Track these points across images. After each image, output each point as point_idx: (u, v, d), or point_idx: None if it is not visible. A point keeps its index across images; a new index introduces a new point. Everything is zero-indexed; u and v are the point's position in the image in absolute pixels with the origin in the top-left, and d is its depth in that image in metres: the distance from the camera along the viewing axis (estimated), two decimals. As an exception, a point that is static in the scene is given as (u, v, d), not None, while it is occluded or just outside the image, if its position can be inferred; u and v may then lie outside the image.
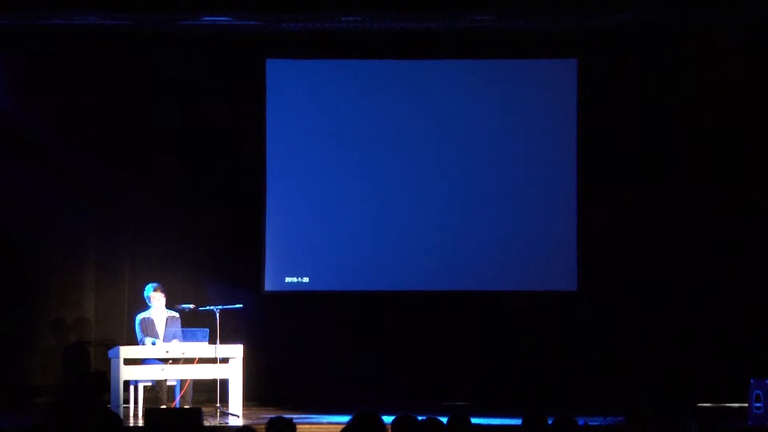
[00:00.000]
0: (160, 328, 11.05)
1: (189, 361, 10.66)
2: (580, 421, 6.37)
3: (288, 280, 12.49)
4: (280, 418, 6.02)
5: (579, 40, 12.48)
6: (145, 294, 11.14)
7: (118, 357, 10.54)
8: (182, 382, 10.80)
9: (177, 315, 11.15)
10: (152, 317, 11.09)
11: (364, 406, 5.82)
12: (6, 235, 12.30)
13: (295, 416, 7.17)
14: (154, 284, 11.18)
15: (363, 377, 12.30)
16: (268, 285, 12.50)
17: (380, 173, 12.54)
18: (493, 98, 12.57)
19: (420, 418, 5.91)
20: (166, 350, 10.65)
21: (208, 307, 11.00)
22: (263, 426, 7.39)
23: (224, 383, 10.73)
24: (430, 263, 12.45)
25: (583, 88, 12.51)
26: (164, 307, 11.14)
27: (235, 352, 10.75)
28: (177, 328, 11.04)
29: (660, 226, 12.47)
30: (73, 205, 12.35)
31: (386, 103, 12.58)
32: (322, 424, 10.26)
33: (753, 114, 12.47)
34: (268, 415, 8.86)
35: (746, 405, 10.48)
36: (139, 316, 11.13)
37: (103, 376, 11.57)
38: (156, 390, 10.94)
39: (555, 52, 12.53)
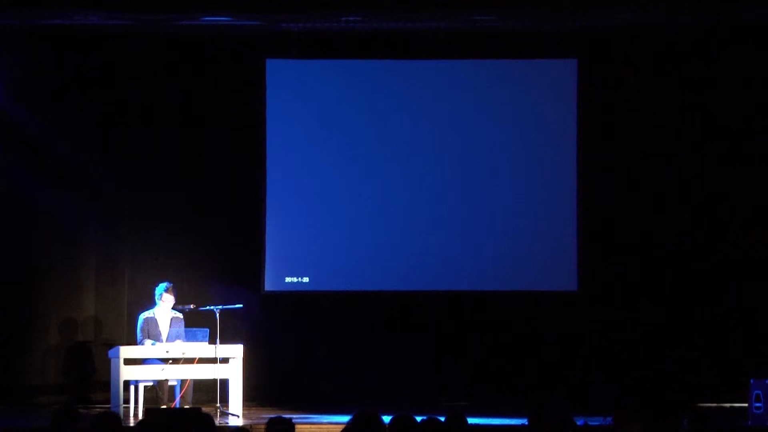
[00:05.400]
0: (163, 328, 11.05)
1: (189, 361, 10.66)
2: (580, 422, 6.38)
3: (288, 280, 12.49)
4: (279, 418, 6.02)
5: (579, 40, 12.48)
6: (157, 292, 11.12)
7: (118, 357, 10.55)
8: (182, 382, 10.81)
9: (181, 316, 11.15)
10: (156, 317, 11.09)
11: (364, 406, 5.82)
12: (6, 234, 12.30)
13: (295, 416, 7.17)
14: (168, 284, 11.16)
15: (363, 377, 12.30)
16: (268, 285, 12.50)
17: (380, 173, 12.54)
18: (493, 98, 12.57)
19: (420, 418, 5.91)
20: (166, 350, 10.65)
21: (208, 307, 11.00)
22: (263, 426, 7.39)
23: (224, 383, 10.74)
24: (429, 263, 12.45)
25: (583, 88, 12.51)
26: (170, 308, 11.14)
27: (235, 352, 10.76)
28: (180, 328, 11.04)
29: (660, 226, 12.48)
30: (73, 205, 12.35)
31: (386, 103, 12.58)
32: (322, 424, 10.26)
33: (753, 114, 12.47)
34: (268, 415, 8.87)
35: (746, 405, 10.48)
36: (143, 316, 11.13)
37: None
38: (157, 390, 10.95)
39: (555, 52, 12.52)
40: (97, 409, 11.15)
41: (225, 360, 10.68)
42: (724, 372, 11.99)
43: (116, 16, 11.58)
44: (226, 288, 12.13)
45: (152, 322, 11.06)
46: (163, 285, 11.16)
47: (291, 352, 12.46)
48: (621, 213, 12.51)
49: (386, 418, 5.73)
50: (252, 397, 11.73)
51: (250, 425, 9.93)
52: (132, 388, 10.84)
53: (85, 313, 12.43)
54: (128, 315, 12.19)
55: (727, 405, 11.70)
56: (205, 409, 9.83)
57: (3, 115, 12.24)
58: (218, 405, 10.69)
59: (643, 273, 12.45)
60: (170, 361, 10.68)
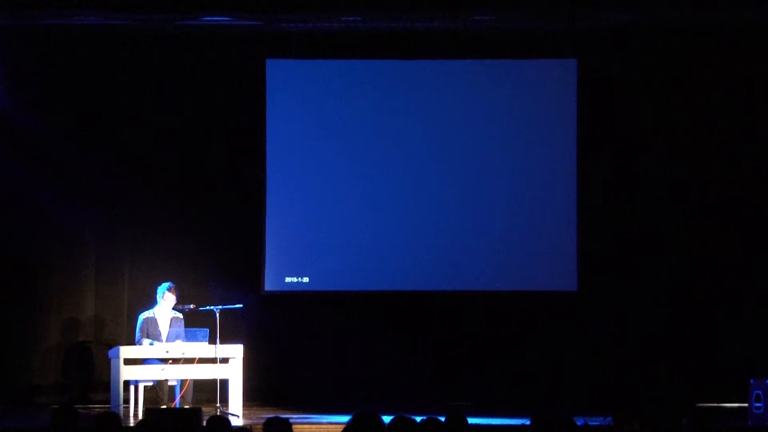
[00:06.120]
0: (163, 327, 11.05)
1: (189, 361, 10.66)
2: (580, 421, 6.37)
3: (288, 280, 12.49)
4: (277, 418, 6.02)
5: (579, 40, 12.48)
6: (159, 291, 11.12)
7: (118, 357, 10.55)
8: (182, 382, 10.81)
9: (181, 316, 11.15)
10: (156, 317, 11.09)
11: (364, 406, 5.81)
12: (6, 235, 12.30)
13: (295, 416, 7.19)
14: (170, 284, 11.15)
15: (363, 377, 12.31)
16: (268, 285, 12.50)
17: (380, 173, 12.54)
18: (493, 98, 12.57)
19: (419, 418, 5.91)
20: (166, 350, 10.65)
21: (208, 307, 11.00)
22: (262, 426, 7.39)
23: (224, 383, 10.73)
24: (430, 263, 12.45)
25: (583, 88, 12.51)
26: (171, 308, 11.14)
27: (235, 352, 10.76)
28: (180, 328, 11.04)
29: (660, 226, 12.48)
30: (73, 205, 12.35)
31: (386, 103, 12.58)
32: (322, 424, 10.26)
33: (753, 114, 12.47)
34: (268, 415, 8.87)
35: (746, 405, 10.48)
36: (142, 315, 11.13)
37: None
38: (157, 390, 10.95)
39: (555, 52, 12.53)
40: (97, 409, 11.16)
41: (225, 360, 10.68)
42: (724, 372, 11.98)
43: (116, 16, 11.57)
44: (226, 288, 12.13)
45: (152, 322, 11.06)
46: (165, 284, 11.16)
47: (291, 352, 12.46)
48: (621, 213, 12.51)
49: (386, 418, 5.72)
50: (252, 397, 11.73)
51: (250, 425, 9.92)
52: (132, 388, 10.84)
53: (85, 313, 12.43)
54: (128, 315, 12.18)
55: (727, 405, 11.70)
56: (205, 409, 9.85)
57: (3, 115, 12.24)
58: (218, 405, 10.68)
59: (643, 273, 12.44)
60: (170, 361, 10.68)
